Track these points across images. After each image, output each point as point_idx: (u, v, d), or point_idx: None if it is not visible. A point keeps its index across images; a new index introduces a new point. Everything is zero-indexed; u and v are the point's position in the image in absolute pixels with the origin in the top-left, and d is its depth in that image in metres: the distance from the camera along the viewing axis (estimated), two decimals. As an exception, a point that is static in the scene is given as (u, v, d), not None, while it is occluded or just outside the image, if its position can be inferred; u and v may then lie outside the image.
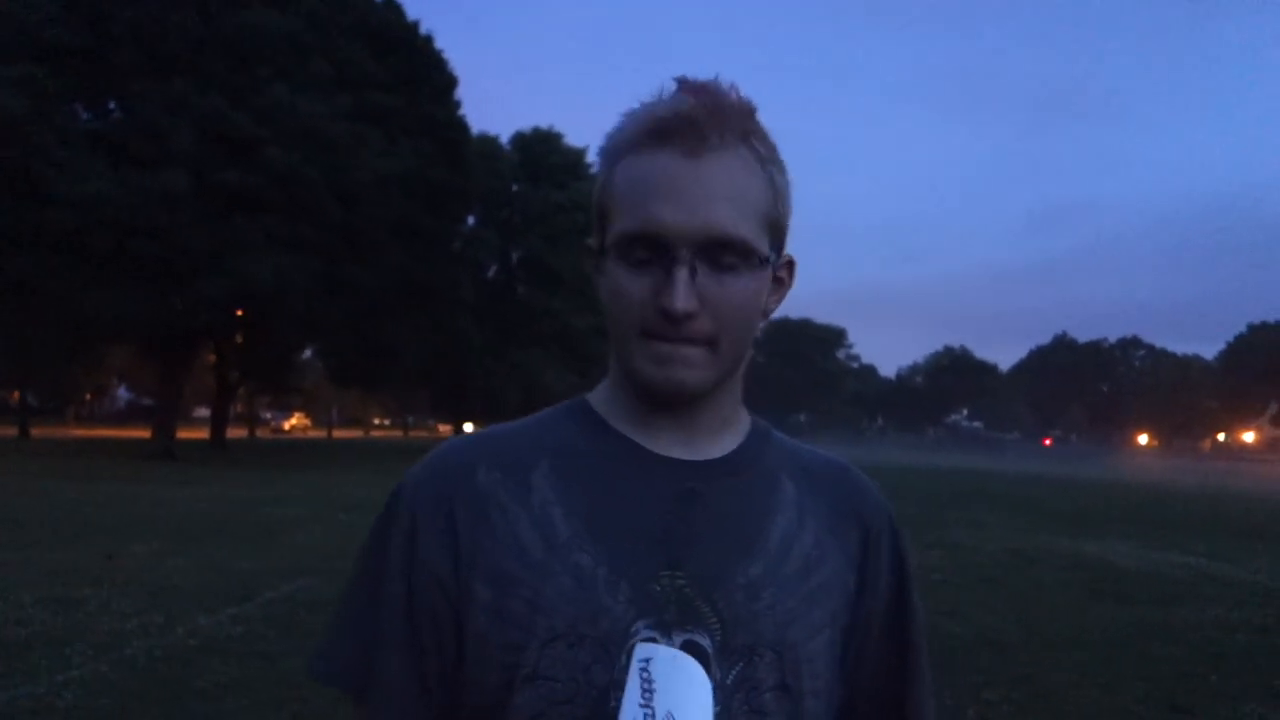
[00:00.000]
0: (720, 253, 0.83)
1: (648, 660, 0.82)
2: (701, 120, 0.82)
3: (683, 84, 0.86)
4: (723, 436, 0.94)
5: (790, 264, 0.95)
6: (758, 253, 0.85)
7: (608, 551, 0.84)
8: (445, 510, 0.87)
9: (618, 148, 0.87)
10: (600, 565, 0.84)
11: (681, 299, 0.81)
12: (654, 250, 0.82)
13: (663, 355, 0.84)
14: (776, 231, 0.89)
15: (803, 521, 0.94)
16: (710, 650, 0.84)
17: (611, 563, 0.84)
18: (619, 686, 0.80)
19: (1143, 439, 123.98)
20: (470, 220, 43.66)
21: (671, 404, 0.89)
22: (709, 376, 0.87)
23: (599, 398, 0.96)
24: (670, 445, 0.91)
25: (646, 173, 0.83)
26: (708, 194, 0.82)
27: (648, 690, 0.81)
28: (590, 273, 0.93)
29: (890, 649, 0.98)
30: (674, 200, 0.81)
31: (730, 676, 0.84)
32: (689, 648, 0.83)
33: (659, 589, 0.84)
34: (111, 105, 27.73)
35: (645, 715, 0.80)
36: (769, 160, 0.87)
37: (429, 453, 0.94)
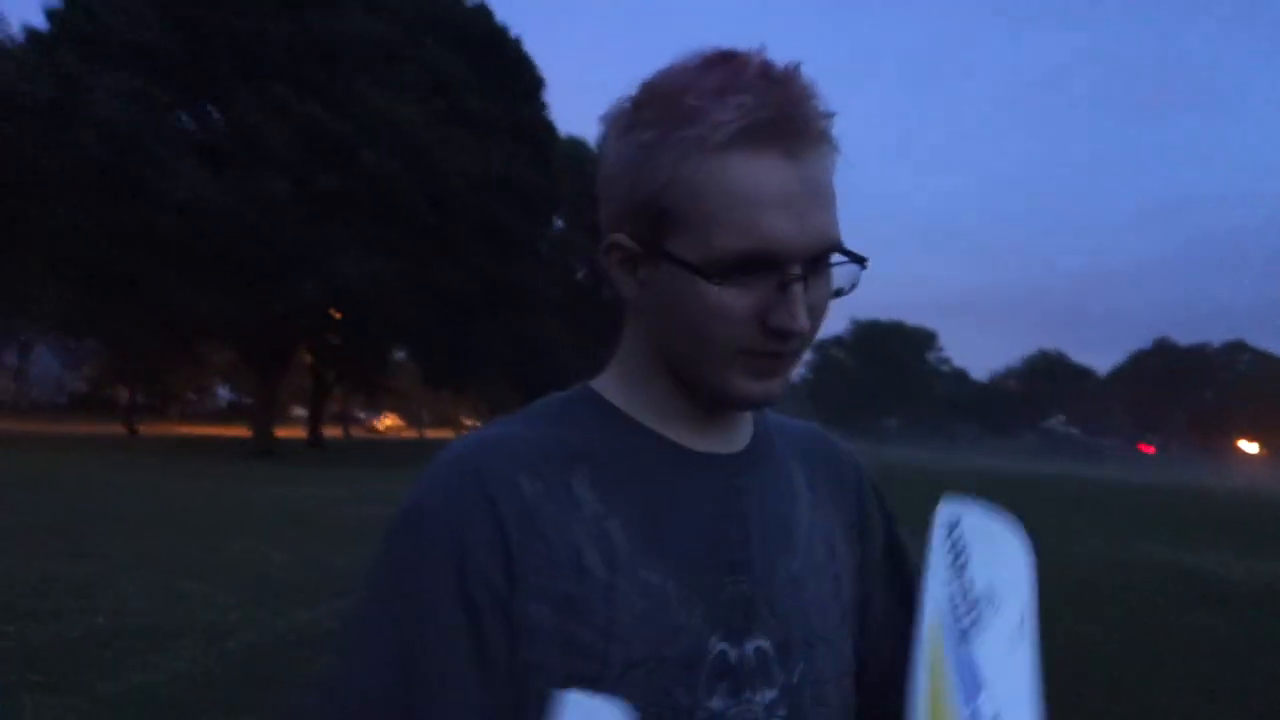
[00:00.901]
0: (823, 261, 0.78)
1: (955, 523, 0.77)
2: (800, 118, 0.74)
3: (736, 60, 0.76)
4: (740, 424, 0.91)
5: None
6: (844, 252, 0.79)
7: (673, 564, 0.79)
8: (494, 524, 0.75)
9: (690, 141, 0.74)
10: (669, 580, 0.78)
11: (802, 319, 0.75)
12: (763, 266, 0.75)
13: (764, 371, 0.79)
14: None
15: (816, 505, 0.93)
16: (772, 652, 0.82)
17: (679, 576, 0.79)
18: (702, 707, 0.77)
19: (1249, 446, 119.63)
20: (558, 223, 43.98)
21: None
22: (790, 381, 0.84)
23: (612, 389, 0.88)
24: (699, 439, 0.86)
25: (750, 179, 0.73)
26: (814, 201, 0.75)
27: (960, 559, 0.75)
28: (618, 279, 0.83)
29: (891, 594, 0.98)
30: (787, 212, 0.74)
31: (796, 675, 0.83)
32: (757, 653, 0.80)
33: (728, 600, 0.81)
34: (213, 112, 28.55)
35: (963, 591, 0.73)
36: (837, 147, 0.79)
37: (443, 458, 0.81)
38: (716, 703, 0.78)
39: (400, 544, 0.78)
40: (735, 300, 0.76)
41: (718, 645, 0.79)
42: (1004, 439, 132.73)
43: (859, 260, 0.80)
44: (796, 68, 0.76)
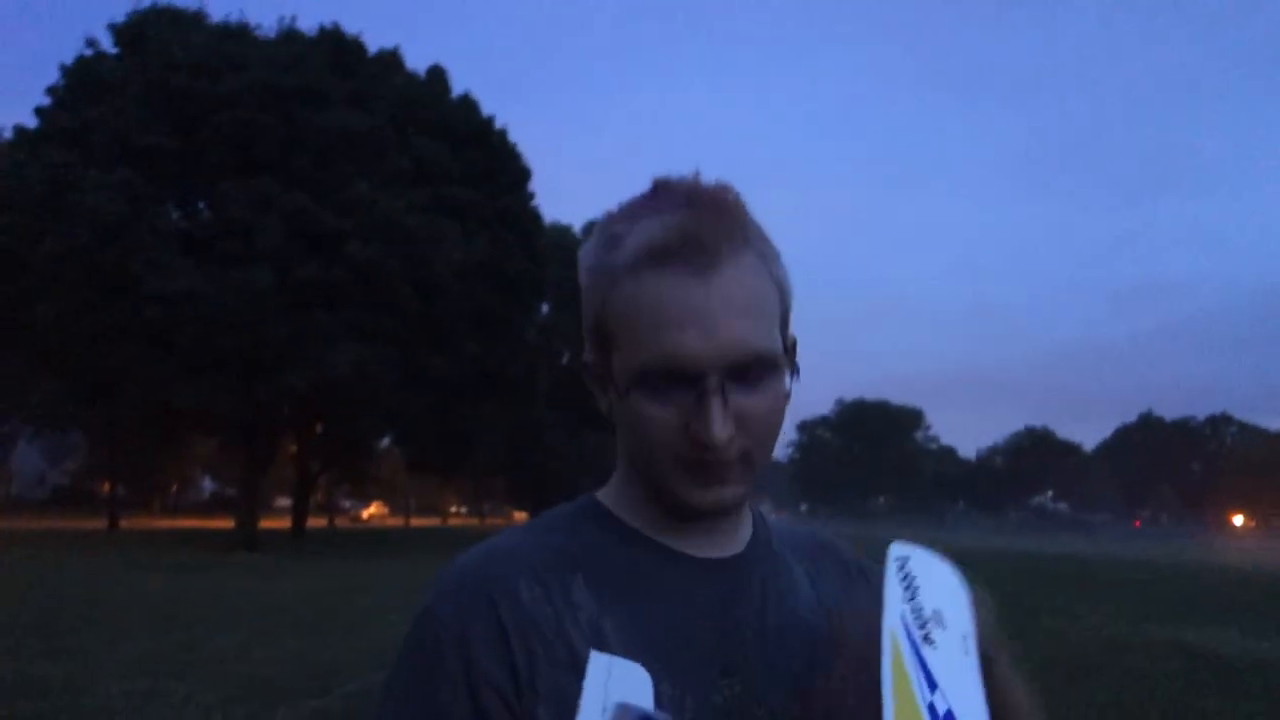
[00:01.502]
0: (747, 370, 0.78)
1: (905, 558, 0.81)
2: (706, 235, 0.77)
3: (664, 187, 0.82)
4: (740, 527, 0.93)
5: (794, 345, 0.88)
6: (780, 359, 0.81)
7: (665, 664, 0.79)
8: (496, 628, 0.79)
9: (612, 267, 0.80)
10: (662, 681, 0.78)
11: (719, 428, 0.77)
12: (679, 380, 0.77)
13: (707, 479, 0.81)
14: (785, 325, 0.85)
15: (819, 598, 0.95)
16: None
17: (671, 676, 0.80)
18: None
19: (1238, 519, 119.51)
20: (545, 308, 44.23)
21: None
22: (748, 489, 0.85)
23: (614, 499, 0.91)
24: (696, 545, 0.89)
25: (656, 299, 0.77)
26: (726, 312, 0.77)
27: (910, 587, 0.80)
28: (592, 385, 0.88)
29: None
30: (693, 326, 0.76)
31: None
32: None
33: (720, 699, 0.82)
34: (201, 204, 28.82)
35: (915, 611, 0.78)
36: (771, 258, 0.83)
37: (452, 567, 0.86)
38: None
39: (412, 648, 0.82)
40: (659, 412, 0.79)
41: None
42: (993, 516, 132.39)
43: (785, 363, 0.83)
44: (722, 188, 0.81)
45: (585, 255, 0.85)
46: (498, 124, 33.96)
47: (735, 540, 0.92)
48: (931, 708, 0.76)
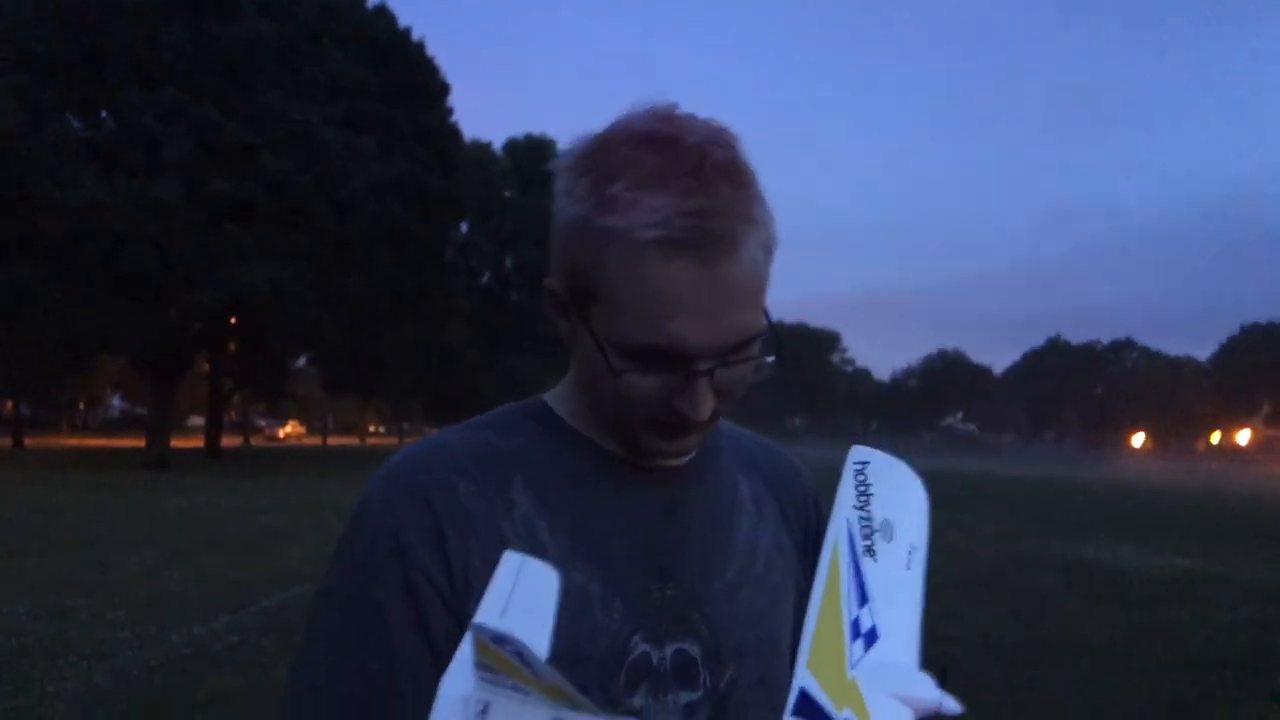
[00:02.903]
0: (736, 351, 0.78)
1: (864, 464, 0.82)
2: (718, 223, 0.73)
3: (668, 142, 0.76)
4: None
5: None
6: (766, 331, 0.80)
7: (598, 568, 0.81)
8: (433, 524, 0.79)
9: (609, 231, 0.74)
10: (593, 582, 0.81)
11: (703, 410, 0.78)
12: (668, 361, 0.76)
13: (668, 437, 0.83)
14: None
15: (760, 517, 0.95)
16: (699, 657, 0.84)
17: (604, 579, 0.82)
18: (622, 704, 0.80)
19: (1137, 440, 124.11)
20: (463, 227, 43.64)
21: None
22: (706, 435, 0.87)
23: (562, 402, 0.91)
24: (645, 453, 0.88)
25: (661, 285, 0.73)
26: (730, 303, 0.75)
27: (864, 494, 0.81)
28: (550, 309, 0.85)
29: None
30: (698, 317, 0.74)
31: (724, 681, 0.85)
32: (678, 656, 0.83)
33: (651, 602, 0.83)
34: (104, 115, 27.67)
35: (863, 520, 0.80)
36: (769, 223, 0.79)
37: (390, 464, 0.85)
38: (637, 701, 0.81)
39: (347, 546, 0.81)
40: (639, 383, 0.78)
41: (639, 646, 0.82)
42: (905, 436, 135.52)
43: (776, 349, 0.83)
44: (732, 163, 0.76)
45: (570, 198, 0.79)
46: (415, 35, 33.07)
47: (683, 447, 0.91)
48: (856, 623, 0.77)
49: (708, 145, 0.76)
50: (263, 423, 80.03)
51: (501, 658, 0.58)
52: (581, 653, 0.78)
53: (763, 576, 0.92)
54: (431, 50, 33.62)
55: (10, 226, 23.56)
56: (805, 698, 0.71)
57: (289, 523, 13.85)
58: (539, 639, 0.68)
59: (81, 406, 76.95)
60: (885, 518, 0.82)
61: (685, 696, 0.83)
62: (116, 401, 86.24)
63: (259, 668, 5.78)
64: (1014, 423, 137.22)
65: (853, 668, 0.75)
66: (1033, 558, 12.80)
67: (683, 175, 0.73)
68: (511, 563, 0.72)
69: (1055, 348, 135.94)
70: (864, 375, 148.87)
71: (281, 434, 78.95)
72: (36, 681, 5.32)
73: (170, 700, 5.10)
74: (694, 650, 0.84)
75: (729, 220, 0.73)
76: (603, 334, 0.78)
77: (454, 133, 34.92)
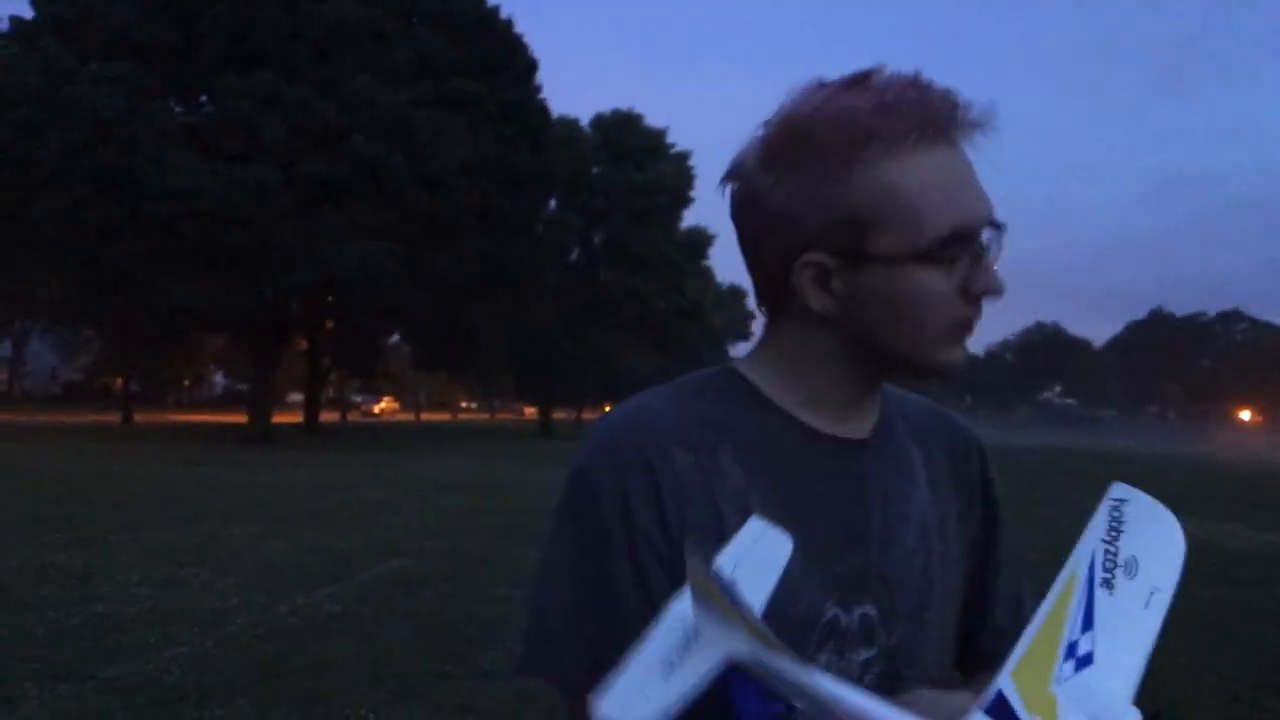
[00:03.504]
0: (995, 229, 0.88)
1: (1122, 501, 0.86)
2: (953, 112, 0.84)
3: (871, 76, 0.86)
4: (871, 411, 0.99)
5: None
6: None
7: (801, 539, 0.85)
8: (652, 488, 0.86)
9: (874, 152, 0.83)
10: (796, 551, 0.85)
11: (1001, 280, 0.88)
12: (964, 244, 0.85)
13: (958, 341, 0.90)
14: None
15: (933, 486, 1.02)
16: (878, 619, 0.92)
17: (805, 549, 0.86)
18: (810, 660, 0.85)
19: (1245, 415, 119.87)
20: (551, 204, 43.85)
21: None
22: None
23: (756, 371, 0.96)
24: (833, 423, 0.95)
25: (937, 170, 0.84)
26: (977, 177, 0.87)
27: (1114, 529, 0.85)
28: (811, 298, 0.89)
29: (987, 561, 1.10)
30: (970, 190, 0.85)
31: (894, 638, 0.93)
32: (863, 619, 0.91)
33: (842, 571, 0.90)
34: (203, 99, 28.41)
35: (1108, 553, 0.83)
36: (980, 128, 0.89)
37: (604, 428, 0.92)
38: (822, 658, 0.88)
39: (572, 504, 0.89)
40: (942, 281, 0.85)
41: (831, 610, 0.89)
42: (1001, 411, 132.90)
43: (1001, 226, 0.89)
44: (920, 74, 0.86)
45: (805, 160, 0.86)
46: (503, 14, 33.20)
47: (868, 423, 0.99)
48: (1074, 645, 0.79)
49: (896, 72, 0.86)
50: (358, 399, 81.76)
51: (720, 597, 0.67)
52: (783, 614, 0.84)
53: (934, 544, 0.99)
54: (519, 27, 33.74)
55: (114, 209, 24.37)
56: (1000, 699, 0.74)
57: (387, 497, 14.15)
58: (758, 595, 0.78)
59: (186, 384, 79.37)
60: (1132, 554, 0.84)
61: (864, 654, 0.91)
62: (219, 379, 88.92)
63: (360, 637, 5.93)
64: (1114, 397, 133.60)
65: (1056, 684, 0.77)
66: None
67: (901, 91, 0.84)
68: (756, 526, 0.82)
69: (1158, 319, 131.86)
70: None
71: (377, 410, 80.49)
72: (152, 647, 5.54)
73: (277, 667, 5.26)
74: (874, 613, 0.91)
75: (958, 105, 0.85)
76: (902, 249, 0.84)
77: (542, 109, 35.02)
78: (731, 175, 0.92)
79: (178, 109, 28.22)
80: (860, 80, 0.86)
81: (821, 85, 0.87)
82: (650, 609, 0.80)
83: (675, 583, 0.79)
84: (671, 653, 0.71)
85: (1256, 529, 13.53)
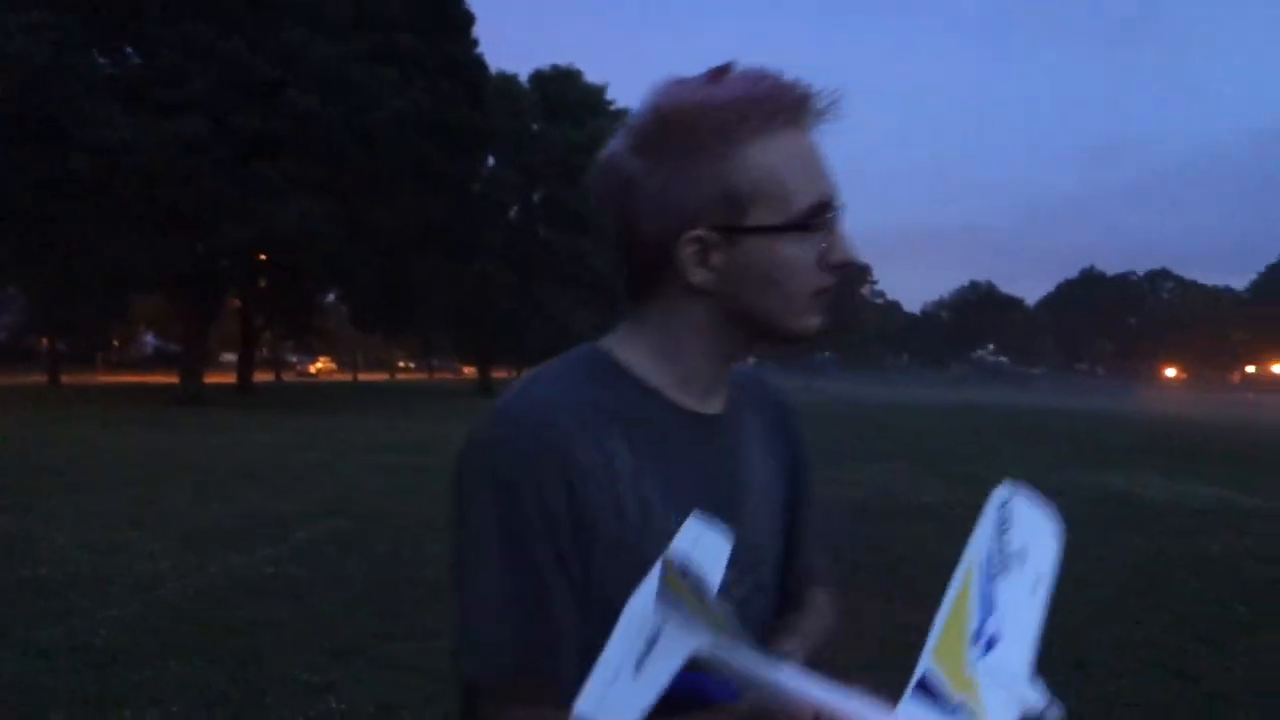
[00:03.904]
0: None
1: (1007, 500, 0.94)
2: (808, 99, 0.94)
3: (729, 69, 0.94)
4: (725, 387, 1.08)
5: None
6: None
7: (685, 507, 0.91)
8: (563, 479, 0.89)
9: (747, 134, 0.92)
10: (682, 519, 0.91)
11: (855, 249, 0.98)
12: (822, 216, 0.94)
13: (818, 308, 0.99)
14: None
15: (766, 449, 1.13)
16: (736, 578, 0.98)
17: (689, 516, 0.92)
18: None
19: (1171, 372, 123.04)
20: (490, 161, 43.40)
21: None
22: None
23: (630, 354, 1.02)
24: (700, 400, 1.03)
25: (799, 151, 0.94)
26: (824, 159, 0.97)
27: (1004, 525, 0.93)
28: (691, 272, 0.96)
29: (801, 512, 1.20)
30: (824, 170, 0.96)
31: (748, 586, 1.03)
32: (727, 574, 0.94)
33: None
34: (130, 51, 27.58)
35: (1000, 546, 0.91)
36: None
37: (508, 419, 0.94)
38: None
39: (490, 492, 0.90)
40: (808, 251, 0.95)
41: None
42: (935, 369, 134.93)
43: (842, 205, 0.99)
44: (768, 66, 0.95)
45: (683, 143, 0.92)
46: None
47: (723, 396, 1.07)
48: (981, 627, 0.88)
49: (752, 65, 0.95)
50: (294, 359, 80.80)
51: (682, 587, 0.72)
52: None
53: (769, 499, 1.10)
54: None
55: (41, 164, 23.65)
56: (925, 681, 0.81)
57: (322, 458, 14.05)
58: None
59: (116, 344, 77.83)
60: (1021, 546, 0.93)
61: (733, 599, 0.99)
62: (150, 339, 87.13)
63: (294, 597, 5.92)
64: (1046, 355, 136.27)
65: (972, 665, 0.85)
66: (1060, 488, 12.80)
67: (762, 81, 0.93)
68: (695, 525, 0.88)
69: (1089, 279, 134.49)
70: (894, 308, 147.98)
71: (313, 370, 79.65)
72: (83, 610, 5.48)
73: (210, 627, 5.24)
74: (734, 570, 0.95)
75: (812, 94, 0.94)
76: (775, 221, 0.93)
77: (480, 64, 34.58)
78: (604, 168, 0.97)
79: (102, 60, 27.37)
80: (721, 73, 0.93)
81: (682, 80, 0.95)
82: (573, 595, 0.89)
83: (587, 570, 0.89)
84: (639, 650, 0.75)
85: (1175, 480, 13.95)
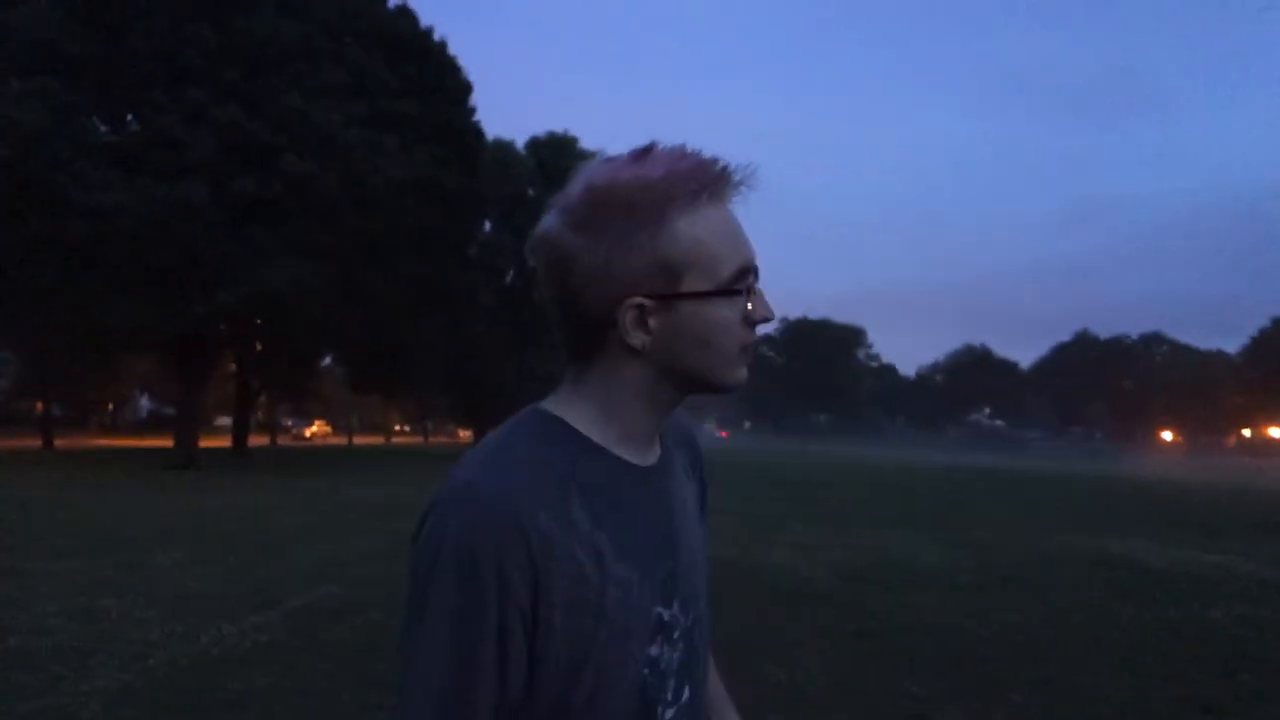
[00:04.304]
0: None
1: None
2: (727, 176, 1.04)
3: (653, 148, 1.04)
4: (658, 438, 1.19)
5: None
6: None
7: (635, 559, 1.04)
8: (526, 557, 0.95)
9: (676, 208, 1.02)
10: (633, 572, 1.04)
11: (772, 308, 1.09)
12: (744, 281, 1.06)
13: (744, 364, 1.10)
14: None
15: (688, 485, 1.25)
16: (681, 610, 1.11)
17: (639, 569, 1.05)
18: (645, 655, 1.05)
19: (1166, 435, 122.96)
20: (487, 225, 43.70)
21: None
22: None
23: (577, 417, 1.10)
24: (642, 454, 1.13)
25: (722, 222, 1.04)
26: (742, 227, 1.08)
27: None
28: (631, 335, 1.05)
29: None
30: (744, 238, 1.07)
31: (690, 618, 1.13)
32: (674, 610, 1.10)
33: (662, 578, 1.08)
34: (129, 117, 27.86)
35: None
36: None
37: (471, 495, 0.99)
38: (654, 650, 1.06)
39: (453, 573, 0.95)
40: (733, 312, 1.05)
41: (657, 610, 1.07)
42: (931, 432, 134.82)
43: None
44: (687, 145, 1.05)
45: (615, 218, 1.02)
46: (437, 35, 33.14)
47: (657, 446, 1.17)
48: None
49: (676, 145, 1.06)
50: (289, 422, 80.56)
51: None
52: (628, 625, 1.03)
53: (697, 535, 1.22)
54: (453, 50, 33.74)
55: (37, 227, 23.76)
56: None
57: (316, 523, 13.93)
58: None
59: (109, 407, 77.62)
60: None
61: (678, 636, 1.10)
62: (144, 402, 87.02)
63: (286, 667, 5.81)
64: (1041, 418, 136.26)
65: None
66: (1060, 554, 12.71)
67: (685, 159, 1.03)
68: None
69: (1083, 342, 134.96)
70: (889, 371, 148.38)
71: (308, 433, 79.30)
72: (69, 680, 5.36)
73: (199, 699, 5.13)
74: (679, 602, 1.11)
75: (731, 171, 1.05)
76: (704, 287, 1.04)
77: (476, 131, 34.99)
78: (540, 245, 1.06)
79: (103, 127, 27.63)
80: (646, 153, 1.04)
81: (609, 160, 1.05)
82: (509, 670, 0.96)
83: (532, 642, 0.97)
84: None
85: (1175, 546, 13.85)
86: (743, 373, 1.10)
